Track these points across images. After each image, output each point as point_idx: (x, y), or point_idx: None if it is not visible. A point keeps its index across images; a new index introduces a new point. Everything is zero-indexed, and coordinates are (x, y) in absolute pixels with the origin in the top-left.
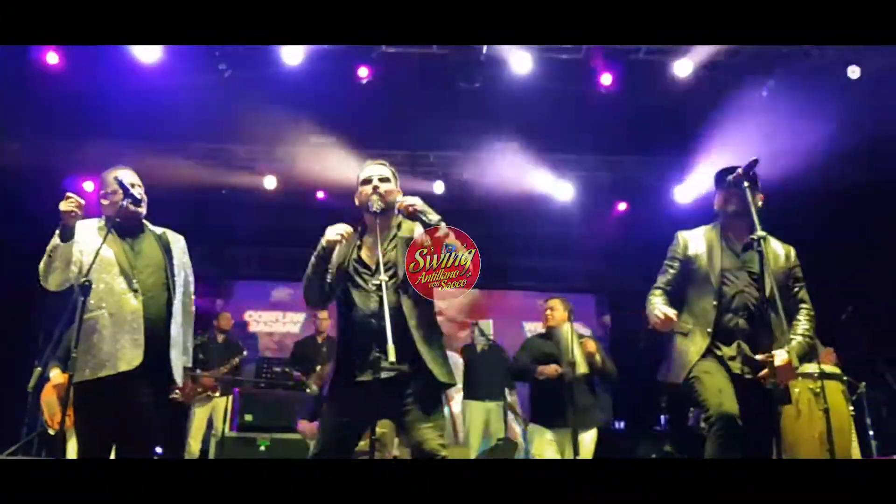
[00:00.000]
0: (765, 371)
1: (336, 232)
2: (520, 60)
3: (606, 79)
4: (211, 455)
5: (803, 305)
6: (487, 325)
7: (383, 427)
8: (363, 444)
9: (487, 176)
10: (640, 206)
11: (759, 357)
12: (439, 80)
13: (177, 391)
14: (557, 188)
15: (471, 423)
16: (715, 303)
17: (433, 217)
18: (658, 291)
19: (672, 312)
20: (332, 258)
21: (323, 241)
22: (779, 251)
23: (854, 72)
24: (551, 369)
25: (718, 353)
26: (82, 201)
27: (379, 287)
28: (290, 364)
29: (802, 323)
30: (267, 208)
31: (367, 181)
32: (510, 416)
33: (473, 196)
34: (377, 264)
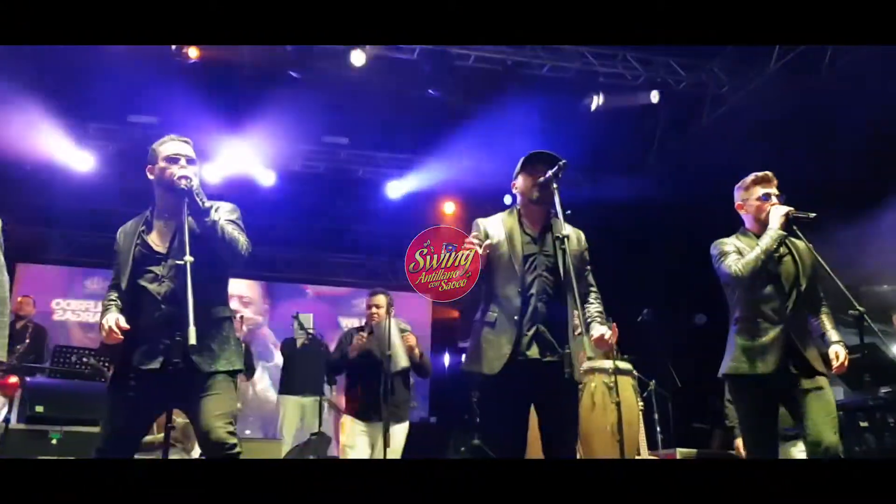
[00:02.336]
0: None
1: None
2: (354, 56)
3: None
4: None
5: (592, 288)
6: (308, 317)
7: (185, 418)
8: (157, 437)
9: (317, 169)
10: (472, 205)
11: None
12: (272, 68)
13: None
14: (384, 186)
15: (285, 418)
16: (519, 289)
17: (206, 203)
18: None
19: None
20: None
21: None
22: (571, 235)
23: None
24: (360, 339)
25: (518, 347)
26: None
27: (171, 270)
28: (95, 354)
29: (595, 305)
30: (82, 190)
31: (174, 159)
32: (328, 411)
33: (302, 189)
34: (170, 245)
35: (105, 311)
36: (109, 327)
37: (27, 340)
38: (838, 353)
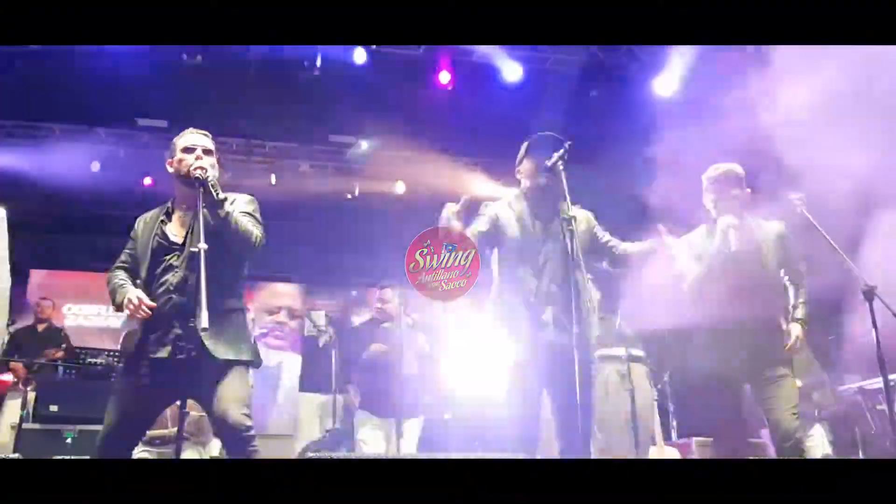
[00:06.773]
0: None
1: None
2: (358, 54)
3: (444, 77)
4: (12, 448)
5: (614, 242)
6: (319, 315)
7: (200, 411)
8: (171, 431)
9: (325, 169)
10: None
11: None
12: (279, 69)
13: None
14: (392, 185)
15: (303, 415)
16: (532, 271)
17: (220, 194)
18: None
19: None
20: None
21: (120, 300)
22: (579, 216)
23: None
24: (378, 348)
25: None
26: None
27: (185, 260)
28: (109, 353)
29: (632, 244)
30: (94, 194)
31: (190, 150)
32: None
33: (309, 189)
34: (187, 236)
35: (120, 287)
36: (138, 302)
37: (63, 345)
38: (791, 331)
